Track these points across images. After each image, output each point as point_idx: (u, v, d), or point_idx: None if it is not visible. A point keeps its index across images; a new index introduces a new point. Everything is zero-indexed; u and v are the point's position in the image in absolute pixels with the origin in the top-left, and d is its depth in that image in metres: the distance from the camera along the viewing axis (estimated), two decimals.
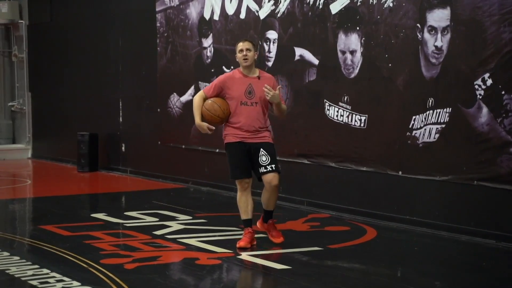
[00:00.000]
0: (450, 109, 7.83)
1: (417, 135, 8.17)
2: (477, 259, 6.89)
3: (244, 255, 6.84)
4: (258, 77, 7.20)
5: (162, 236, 7.73)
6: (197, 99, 7.20)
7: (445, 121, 7.88)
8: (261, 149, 7.06)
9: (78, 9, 14.58)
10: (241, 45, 7.18)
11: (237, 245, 7.04)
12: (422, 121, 8.10)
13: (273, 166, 7.05)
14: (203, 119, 7.14)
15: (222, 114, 7.10)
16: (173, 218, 8.79)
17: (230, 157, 7.24)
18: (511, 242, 7.20)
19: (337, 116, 9.22)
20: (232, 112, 7.13)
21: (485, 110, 7.43)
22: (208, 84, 11.26)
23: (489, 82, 7.37)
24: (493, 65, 7.29)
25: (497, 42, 7.28)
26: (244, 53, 7.11)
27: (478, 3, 7.44)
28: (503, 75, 7.25)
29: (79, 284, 5.81)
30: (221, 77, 7.34)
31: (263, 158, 7.04)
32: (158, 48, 12.43)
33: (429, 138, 8.07)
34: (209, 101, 7.12)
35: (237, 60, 7.25)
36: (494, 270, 6.48)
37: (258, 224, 7.45)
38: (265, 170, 7.04)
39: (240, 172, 7.15)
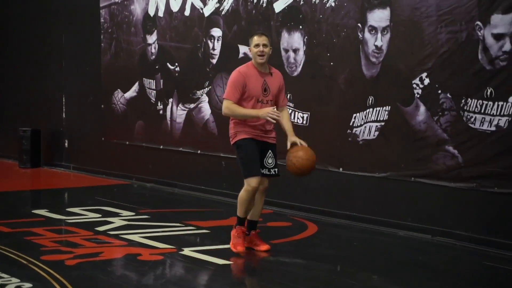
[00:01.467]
0: (389, 107, 7.95)
1: (357, 132, 8.28)
2: (413, 253, 7.00)
3: (186, 251, 6.83)
4: (271, 73, 6.74)
5: (104, 232, 7.66)
6: (234, 108, 6.55)
7: (385, 119, 8.00)
8: (270, 151, 6.70)
9: (21, 4, 14.34)
10: (256, 39, 6.61)
11: (234, 250, 6.72)
12: (362, 119, 8.21)
13: (276, 170, 6.73)
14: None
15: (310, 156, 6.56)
16: (116, 214, 8.73)
17: (245, 153, 6.63)
18: (446, 236, 7.36)
19: None
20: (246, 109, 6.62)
21: (422, 108, 7.58)
22: (152, 80, 11.39)
23: (427, 81, 7.51)
24: (431, 64, 7.44)
25: (434, 42, 7.43)
26: (261, 48, 6.57)
27: (416, 4, 7.58)
28: (440, 74, 7.39)
29: (18, 280, 5.71)
30: (237, 74, 6.64)
31: (269, 160, 6.68)
32: (102, 44, 12.34)
33: (369, 135, 8.19)
34: (293, 160, 6.49)
35: (250, 54, 6.81)
36: (429, 263, 6.60)
37: (246, 245, 6.86)
38: (268, 173, 6.68)
39: (258, 167, 6.62)
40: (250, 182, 6.56)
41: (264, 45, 6.57)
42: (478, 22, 7.04)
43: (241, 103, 6.59)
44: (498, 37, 6.93)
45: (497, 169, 6.97)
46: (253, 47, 6.60)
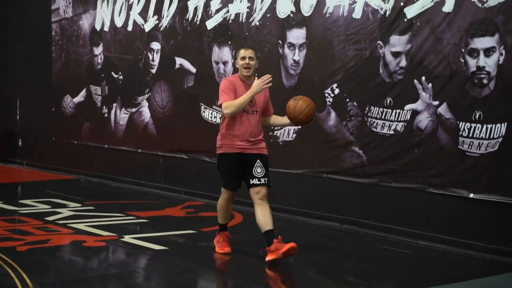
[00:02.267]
0: None
1: (278, 134, 8.37)
2: (324, 239, 7.12)
3: (127, 238, 6.80)
4: None
5: (53, 222, 7.58)
6: (230, 103, 5.89)
7: None
8: (258, 160, 5.97)
9: None
10: (243, 52, 5.99)
11: (221, 251, 6.26)
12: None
13: (266, 179, 5.96)
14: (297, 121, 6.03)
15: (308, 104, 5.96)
16: (64, 206, 8.63)
17: (225, 167, 6.06)
18: (353, 225, 7.50)
19: (211, 117, 9.32)
20: (233, 120, 5.97)
21: (333, 114, 7.73)
22: (98, 87, 11.29)
23: (337, 91, 7.66)
24: (340, 77, 7.59)
25: (343, 58, 7.58)
26: (247, 61, 5.95)
27: (328, 25, 7.71)
28: (347, 85, 7.55)
29: None
30: (226, 81, 6.07)
31: (258, 169, 5.96)
32: (53, 54, 12.18)
33: (288, 137, 8.30)
34: (290, 107, 5.93)
35: (236, 66, 6.12)
36: (338, 248, 6.72)
37: (268, 256, 5.85)
38: (258, 182, 5.95)
39: (233, 183, 6.07)
40: (224, 192, 6.18)
41: (250, 58, 5.97)
42: (380, 42, 7.22)
43: None
44: (395, 54, 7.11)
45: (395, 166, 7.16)
46: (240, 60, 6.00)
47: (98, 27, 11.19)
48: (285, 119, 6.10)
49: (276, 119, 6.29)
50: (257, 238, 7.07)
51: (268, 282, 5.61)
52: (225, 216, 6.29)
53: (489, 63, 6.38)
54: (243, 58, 5.98)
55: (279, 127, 8.06)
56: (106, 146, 11.16)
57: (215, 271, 5.99)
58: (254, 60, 6.03)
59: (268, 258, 5.77)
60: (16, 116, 13.16)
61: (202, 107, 9.41)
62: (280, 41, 8.29)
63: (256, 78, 6.07)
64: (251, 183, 5.97)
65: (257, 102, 6.04)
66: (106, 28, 11.03)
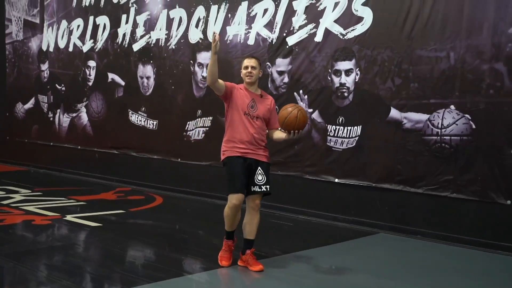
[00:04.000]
0: (211, 117, 8.07)
1: (190, 134, 8.34)
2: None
3: (69, 217, 6.60)
4: (261, 95, 4.96)
5: (7, 205, 7.24)
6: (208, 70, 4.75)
7: (208, 125, 8.12)
8: (259, 168, 4.81)
9: None
10: (246, 62, 4.94)
11: (221, 263, 4.90)
12: (194, 125, 8.28)
13: (268, 187, 4.81)
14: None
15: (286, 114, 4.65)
16: (16, 192, 8.26)
17: (231, 170, 4.77)
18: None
19: (137, 120, 9.16)
20: (235, 123, 4.86)
21: None
22: (45, 96, 10.86)
23: None
24: None
25: (238, 74, 7.60)
26: (249, 70, 4.88)
27: (229, 49, 7.72)
28: None
29: None
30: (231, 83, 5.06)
31: (259, 177, 4.81)
32: (7, 70, 11.60)
33: (198, 136, 8.27)
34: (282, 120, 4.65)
35: (241, 75, 4.98)
36: (276, 228, 6.77)
37: (239, 262, 4.93)
38: (259, 189, 4.79)
39: (240, 186, 4.73)
40: (231, 199, 4.74)
41: (253, 67, 4.90)
42: (268, 63, 7.31)
43: (232, 113, 4.90)
44: (280, 73, 7.21)
45: (280, 159, 7.21)
46: (243, 69, 4.94)
47: (44, 48, 10.76)
48: (282, 134, 4.80)
49: (278, 134, 4.88)
50: (174, 216, 7.03)
51: (181, 250, 5.57)
52: (230, 224, 4.89)
53: (349, 81, 6.57)
54: (246, 67, 4.92)
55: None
56: (51, 143, 10.75)
57: (140, 242, 5.90)
58: (257, 69, 4.91)
59: (239, 263, 4.92)
60: None
61: (130, 112, 9.22)
62: (191, 61, 8.24)
63: (261, 90, 5.02)
64: (252, 190, 4.80)
65: (258, 108, 4.87)
66: (51, 49, 10.62)
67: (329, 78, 6.73)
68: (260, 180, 4.81)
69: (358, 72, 6.47)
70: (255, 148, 4.83)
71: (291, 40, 7.06)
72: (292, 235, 6.19)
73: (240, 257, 4.92)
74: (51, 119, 10.76)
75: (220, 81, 4.80)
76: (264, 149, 4.89)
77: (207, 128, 8.10)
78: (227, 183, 4.77)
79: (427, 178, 6.00)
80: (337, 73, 6.65)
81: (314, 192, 6.99)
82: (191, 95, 8.28)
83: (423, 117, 5.98)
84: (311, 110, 6.89)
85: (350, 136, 6.57)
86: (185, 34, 8.33)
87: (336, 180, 6.72)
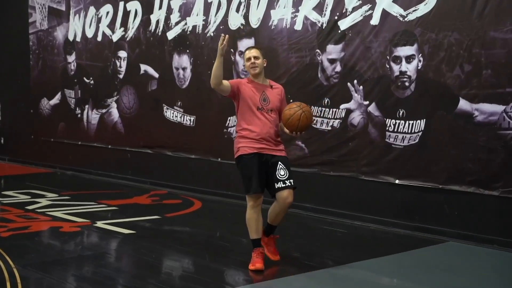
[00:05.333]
0: None
1: (231, 131, 8.38)
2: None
3: (99, 224, 6.73)
4: (271, 86, 5.20)
5: (33, 210, 7.45)
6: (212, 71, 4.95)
7: None
8: (279, 163, 4.98)
9: None
10: (247, 53, 5.14)
11: (252, 267, 5.02)
12: (234, 120, 8.32)
13: (291, 181, 4.97)
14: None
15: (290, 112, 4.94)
16: (42, 196, 8.49)
17: (245, 169, 5.00)
18: (296, 208, 7.45)
19: (172, 116, 9.26)
20: (248, 120, 5.05)
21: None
22: (72, 91, 11.12)
23: None
24: (285, 80, 7.57)
25: (286, 64, 7.61)
26: (252, 61, 5.08)
27: (273, 35, 7.73)
28: (291, 88, 7.52)
29: None
30: (236, 79, 5.44)
31: (281, 172, 4.96)
32: (31, 62, 11.94)
33: None
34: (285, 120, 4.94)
35: (246, 70, 5.26)
36: (284, 229, 6.64)
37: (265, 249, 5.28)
38: (283, 185, 4.93)
39: (257, 185, 4.94)
40: (248, 200, 5.02)
41: (256, 57, 5.09)
42: (318, 50, 7.27)
43: (244, 111, 5.09)
44: (331, 61, 7.17)
45: (332, 158, 7.23)
46: (246, 62, 5.14)
47: (71, 38, 11.01)
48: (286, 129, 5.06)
49: (283, 127, 5.11)
50: (213, 222, 7.08)
51: (222, 259, 5.59)
52: (255, 229, 5.04)
53: (410, 68, 6.48)
54: (248, 59, 5.11)
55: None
56: (79, 143, 10.99)
57: (177, 251, 5.95)
58: (260, 59, 5.11)
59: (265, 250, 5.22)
60: None
61: (164, 107, 9.33)
62: (232, 50, 8.27)
63: (272, 82, 5.27)
64: (276, 187, 4.94)
65: (271, 100, 5.07)
66: (78, 39, 10.85)
67: (388, 66, 6.65)
68: (282, 176, 4.96)
69: (421, 59, 6.37)
70: (271, 144, 5.02)
71: (344, 24, 7.01)
72: (346, 243, 6.16)
73: (263, 238, 5.19)
74: (79, 116, 11.01)
75: (224, 81, 4.99)
76: (280, 143, 5.08)
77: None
78: (243, 183, 5.00)
79: (503, 179, 5.84)
80: (397, 60, 6.57)
81: (371, 195, 6.94)
82: None
83: (498, 108, 5.84)
84: (366, 102, 6.83)
85: (413, 131, 6.49)
86: (224, 20, 8.37)
87: (397, 181, 6.65)
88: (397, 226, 6.65)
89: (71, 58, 11.08)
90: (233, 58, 8.26)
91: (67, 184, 10.08)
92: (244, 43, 8.10)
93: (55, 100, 11.55)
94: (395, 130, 6.63)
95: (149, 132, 9.65)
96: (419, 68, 6.41)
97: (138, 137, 9.86)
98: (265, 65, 5.17)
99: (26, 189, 9.12)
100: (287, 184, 4.92)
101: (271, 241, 5.29)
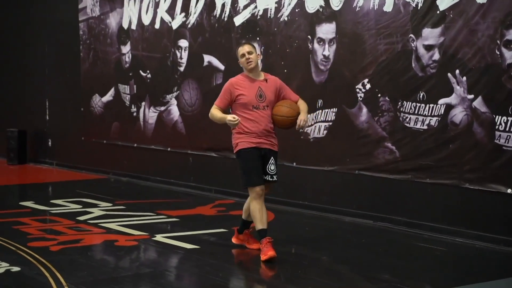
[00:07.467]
0: (336, 109, 8.05)
1: (308, 131, 8.37)
2: (357, 237, 7.10)
3: (158, 237, 6.85)
4: (266, 80, 6.19)
5: (84, 221, 7.67)
6: (214, 112, 6.13)
7: (332, 119, 8.11)
8: (272, 158, 6.16)
9: (8, 18, 14.19)
10: (240, 50, 6.12)
11: (264, 257, 5.91)
12: (313, 119, 8.30)
13: (276, 177, 6.20)
14: (276, 125, 6.26)
15: (292, 112, 6.19)
16: (95, 205, 8.73)
17: (245, 163, 6.07)
18: (386, 222, 7.48)
19: None
20: (244, 118, 6.05)
21: (364, 110, 7.70)
22: (127, 86, 11.38)
23: (368, 86, 7.63)
24: (371, 71, 7.55)
25: (374, 52, 7.54)
26: (247, 56, 6.06)
27: (358, 19, 7.68)
28: (379, 80, 7.51)
29: (8, 265, 5.73)
30: (226, 84, 6.19)
31: (272, 167, 6.14)
32: (81, 54, 12.27)
33: (319, 134, 8.28)
34: (275, 107, 6.17)
35: (241, 65, 6.22)
36: (371, 246, 6.69)
37: (233, 239, 6.57)
38: (271, 179, 6.14)
39: (257, 178, 6.04)
40: (251, 193, 6.08)
41: (249, 53, 6.07)
42: (412, 35, 7.17)
43: (238, 109, 6.08)
44: (428, 48, 7.06)
45: (429, 162, 7.11)
46: (240, 58, 6.12)
47: (125, 26, 11.26)
48: (300, 106, 6.30)
49: (299, 105, 6.34)
50: (288, 236, 7.10)
51: (299, 281, 5.60)
52: (260, 220, 6.03)
53: None
54: (242, 55, 6.09)
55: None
56: (135, 145, 11.23)
57: (247, 270, 6.00)
58: (254, 53, 6.10)
59: (234, 240, 6.57)
60: (45, 117, 13.28)
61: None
62: (309, 36, 8.28)
63: (263, 73, 6.27)
64: (264, 179, 6.12)
65: (266, 95, 6.12)
66: (133, 26, 11.10)
67: (498, 53, 6.49)
68: (272, 170, 6.16)
69: None
70: (268, 138, 6.14)
71: (443, 3, 6.89)
72: (447, 263, 6.08)
73: (236, 235, 6.51)
74: (135, 114, 11.26)
75: (220, 108, 6.15)
76: (274, 137, 6.22)
77: (330, 123, 8.09)
78: (243, 176, 6.07)
79: None
80: (510, 45, 6.40)
81: (476, 206, 6.80)
82: (309, 81, 8.31)
83: None
84: (471, 96, 6.69)
85: None
86: (300, 2, 8.38)
87: (509, 191, 6.48)
88: (510, 244, 6.48)
89: (126, 49, 11.34)
90: (310, 46, 8.26)
91: (121, 192, 10.31)
92: (324, 29, 8.08)
93: (108, 96, 11.85)
94: (507, 129, 6.47)
95: (214, 133, 9.74)
96: None
97: (201, 138, 9.99)
98: (260, 58, 6.16)
99: (76, 197, 9.40)
100: (274, 179, 6.17)
101: (247, 235, 6.44)
